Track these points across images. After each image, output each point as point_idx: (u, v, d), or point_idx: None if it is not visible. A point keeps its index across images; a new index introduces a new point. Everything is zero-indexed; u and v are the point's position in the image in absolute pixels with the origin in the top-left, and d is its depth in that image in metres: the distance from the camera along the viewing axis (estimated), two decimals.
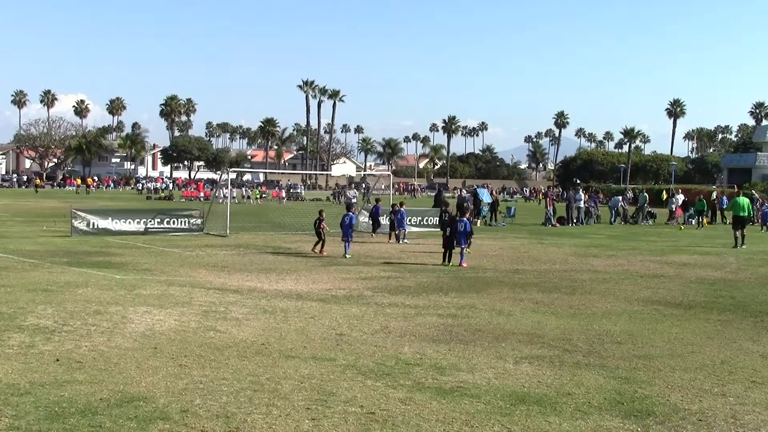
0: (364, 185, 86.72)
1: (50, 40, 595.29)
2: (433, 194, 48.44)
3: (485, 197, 43.04)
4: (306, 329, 11.90)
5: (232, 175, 44.92)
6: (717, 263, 23.11)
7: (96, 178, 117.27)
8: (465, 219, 22.00)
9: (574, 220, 42.25)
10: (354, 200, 39.95)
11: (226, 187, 37.98)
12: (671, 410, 8.04)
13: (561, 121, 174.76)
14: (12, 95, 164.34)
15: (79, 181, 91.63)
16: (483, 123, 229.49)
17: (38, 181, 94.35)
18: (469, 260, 21.68)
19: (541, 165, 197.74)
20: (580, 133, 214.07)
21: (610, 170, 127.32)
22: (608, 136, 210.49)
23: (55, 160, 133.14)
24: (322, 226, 24.15)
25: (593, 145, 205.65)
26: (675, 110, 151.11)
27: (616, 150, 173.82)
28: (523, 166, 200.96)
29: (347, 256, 22.62)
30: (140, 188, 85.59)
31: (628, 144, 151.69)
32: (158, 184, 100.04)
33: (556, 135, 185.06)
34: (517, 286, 17.48)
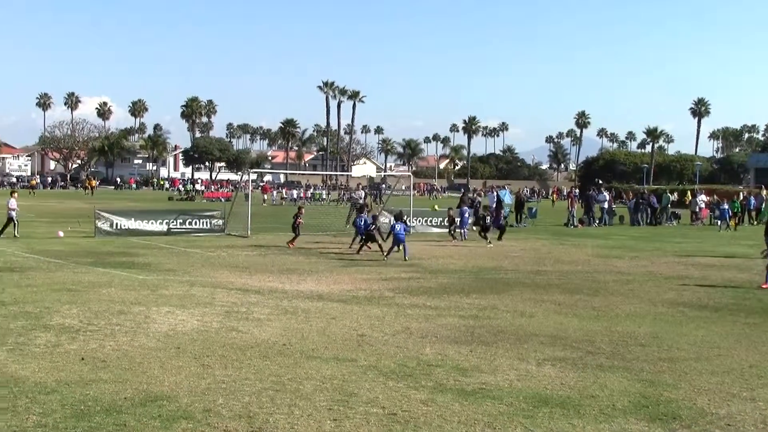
0: (384, 186, 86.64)
1: (74, 43, 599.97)
2: (459, 195, 48.24)
3: (507, 198, 42.92)
4: (327, 330, 11.91)
5: (253, 176, 45.03)
6: (744, 265, 22.84)
7: (118, 180, 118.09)
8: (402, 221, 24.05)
9: (597, 221, 42.02)
10: (362, 201, 39.83)
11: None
12: (698, 414, 7.95)
13: (582, 121, 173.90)
14: (37, 98, 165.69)
15: (93, 182, 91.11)
16: (503, 123, 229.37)
17: (33, 182, 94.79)
18: (490, 261, 21.82)
19: (562, 165, 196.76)
20: (601, 133, 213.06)
21: (633, 171, 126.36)
22: (631, 136, 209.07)
23: (79, 161, 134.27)
24: (298, 222, 26.39)
25: (615, 145, 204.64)
26: (699, 109, 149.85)
27: (639, 150, 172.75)
28: (545, 166, 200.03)
29: (406, 258, 22.58)
30: (186, 189, 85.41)
31: (651, 144, 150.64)
32: (200, 185, 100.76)
33: (578, 135, 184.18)
34: (539, 287, 17.40)
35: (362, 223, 25.12)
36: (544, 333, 12.03)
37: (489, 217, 29.88)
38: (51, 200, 62.46)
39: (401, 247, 22.93)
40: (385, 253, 22.96)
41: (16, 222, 27.18)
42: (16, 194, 29.18)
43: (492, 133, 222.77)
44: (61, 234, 27.69)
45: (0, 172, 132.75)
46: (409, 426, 7.35)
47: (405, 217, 25.60)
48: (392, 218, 25.55)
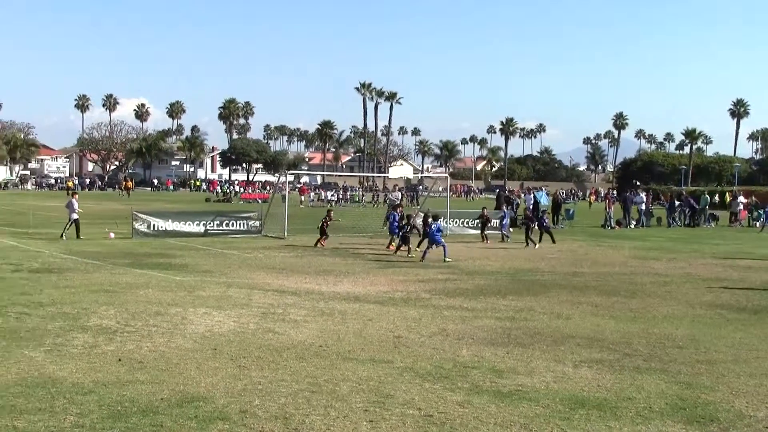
0: (421, 187, 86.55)
1: (113, 45, 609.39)
2: (494, 197, 48.30)
3: (543, 200, 42.70)
4: (364, 331, 11.93)
5: (290, 178, 45.24)
6: None
7: (155, 181, 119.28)
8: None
9: (633, 222, 41.59)
10: (398, 201, 39.93)
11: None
12: (736, 417, 7.85)
13: (620, 122, 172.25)
14: (75, 99, 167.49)
15: (129, 184, 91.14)
16: (541, 125, 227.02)
17: (69, 183, 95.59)
18: (527, 263, 22.06)
19: (600, 167, 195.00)
20: (639, 134, 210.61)
21: (671, 172, 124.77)
22: (669, 137, 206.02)
23: (117, 162, 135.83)
24: (326, 224, 26.97)
25: (653, 146, 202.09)
26: (738, 110, 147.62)
27: (677, 151, 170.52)
28: (582, 168, 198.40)
29: (447, 259, 22.66)
30: (224, 191, 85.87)
31: (689, 145, 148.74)
32: (237, 187, 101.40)
33: (615, 136, 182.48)
34: (576, 289, 17.27)
35: (393, 220, 25.81)
36: (580, 335, 11.94)
37: (530, 221, 29.90)
38: (89, 202, 63.01)
39: (441, 248, 22.95)
40: (420, 255, 23.06)
41: (71, 223, 27.57)
42: (77, 195, 29.44)
43: (529, 134, 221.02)
44: (112, 236, 27.98)
45: (38, 173, 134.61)
46: (445, 427, 7.34)
47: (440, 219, 25.70)
48: (429, 219, 25.70)
